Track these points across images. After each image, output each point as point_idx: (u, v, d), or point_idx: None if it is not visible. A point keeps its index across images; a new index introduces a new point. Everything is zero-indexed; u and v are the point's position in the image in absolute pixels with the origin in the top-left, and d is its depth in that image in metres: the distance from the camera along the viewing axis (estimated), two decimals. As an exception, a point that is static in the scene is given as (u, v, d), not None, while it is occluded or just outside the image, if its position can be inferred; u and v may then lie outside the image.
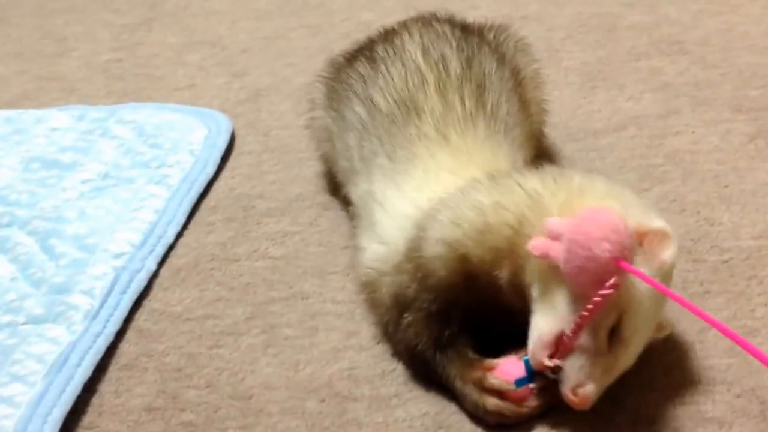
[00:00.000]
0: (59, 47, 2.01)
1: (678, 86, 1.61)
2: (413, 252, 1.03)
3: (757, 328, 1.08)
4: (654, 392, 1.01)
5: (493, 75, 1.20)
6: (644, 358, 1.01)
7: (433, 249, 1.01)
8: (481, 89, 1.16)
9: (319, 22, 2.04)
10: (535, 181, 0.99)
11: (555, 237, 0.91)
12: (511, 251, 0.96)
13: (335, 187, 1.38)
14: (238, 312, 1.19)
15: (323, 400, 1.05)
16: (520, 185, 0.99)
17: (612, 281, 0.87)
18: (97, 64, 1.92)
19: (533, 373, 0.95)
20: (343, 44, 1.46)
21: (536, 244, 0.92)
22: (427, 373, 1.04)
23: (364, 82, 1.23)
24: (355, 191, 1.22)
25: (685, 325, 1.08)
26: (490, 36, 1.32)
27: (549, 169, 1.04)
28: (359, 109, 1.22)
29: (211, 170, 1.48)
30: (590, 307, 0.89)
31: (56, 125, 1.62)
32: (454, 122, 1.12)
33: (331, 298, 1.20)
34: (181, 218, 1.36)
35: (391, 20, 1.39)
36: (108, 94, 1.80)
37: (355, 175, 1.22)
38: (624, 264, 0.87)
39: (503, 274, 0.97)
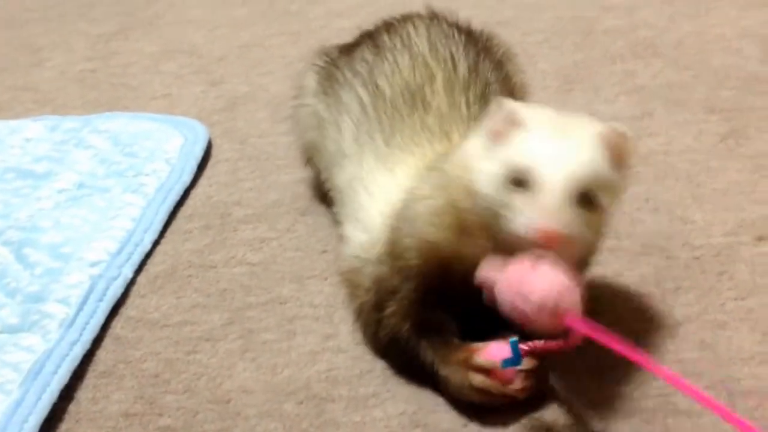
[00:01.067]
0: (34, 57, 2.01)
1: (652, 88, 1.62)
2: (391, 243, 1.04)
3: (726, 322, 1.10)
4: (626, 386, 1.02)
5: (495, 83, 1.21)
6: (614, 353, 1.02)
7: (406, 240, 1.03)
8: (485, 95, 1.17)
9: (297, 30, 2.04)
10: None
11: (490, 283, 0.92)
12: (465, 230, 0.98)
13: (313, 192, 1.38)
14: (215, 318, 1.19)
15: (301, 402, 1.05)
16: (445, 169, 1.01)
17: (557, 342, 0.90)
18: (71, 74, 1.91)
19: (519, 356, 0.95)
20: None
21: (480, 276, 0.93)
22: (407, 365, 1.04)
23: (369, 67, 1.23)
24: (341, 175, 1.21)
25: (658, 320, 1.10)
26: (483, 41, 1.32)
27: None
28: (362, 91, 1.22)
29: (187, 178, 1.47)
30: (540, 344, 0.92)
31: (30, 135, 1.61)
32: (458, 122, 1.13)
33: (309, 302, 1.20)
34: (158, 226, 1.35)
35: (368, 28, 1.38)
36: (83, 104, 1.80)
37: (344, 159, 1.21)
38: (571, 321, 0.88)
39: (473, 253, 0.97)
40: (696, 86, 1.60)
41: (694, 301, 1.13)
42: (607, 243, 1.22)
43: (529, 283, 0.88)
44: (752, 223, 1.25)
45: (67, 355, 1.10)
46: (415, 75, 1.18)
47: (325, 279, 1.23)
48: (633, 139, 0.96)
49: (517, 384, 0.97)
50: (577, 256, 0.94)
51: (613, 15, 1.91)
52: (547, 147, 0.92)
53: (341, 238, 1.17)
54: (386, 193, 1.10)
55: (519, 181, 0.91)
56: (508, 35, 1.74)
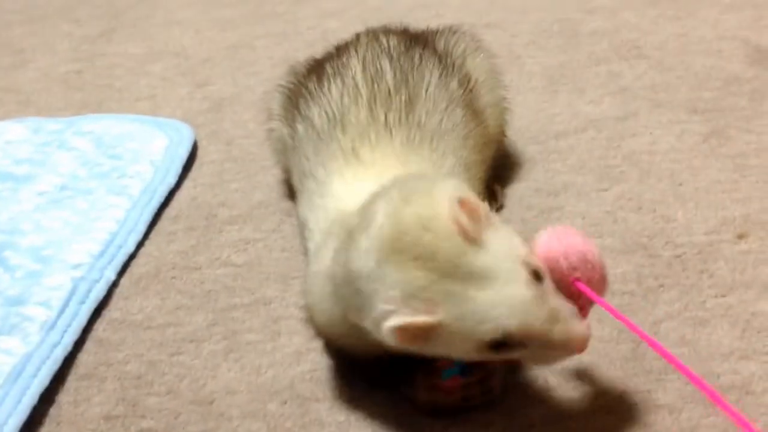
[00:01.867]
0: (16, 59, 1.99)
1: (636, 89, 1.63)
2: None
3: (707, 318, 1.11)
4: (609, 382, 1.03)
5: (432, 86, 1.18)
6: (598, 350, 1.05)
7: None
8: (412, 101, 1.13)
9: (284, 31, 2.04)
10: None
11: None
12: None
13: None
14: (199, 319, 1.18)
15: (285, 402, 1.04)
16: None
17: None
18: (55, 76, 1.90)
19: (464, 366, 0.95)
20: (308, 53, 1.45)
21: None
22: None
23: (308, 100, 1.22)
24: (297, 212, 1.19)
25: (641, 317, 1.11)
26: (441, 44, 1.31)
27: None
28: (300, 126, 1.21)
29: (172, 180, 1.47)
30: None
31: (11, 138, 1.60)
32: (371, 136, 1.09)
33: (294, 302, 1.19)
34: (142, 228, 1.35)
35: (356, 29, 1.38)
36: (67, 105, 1.78)
37: (297, 194, 1.21)
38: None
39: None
40: (679, 87, 1.61)
41: (676, 298, 1.14)
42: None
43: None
44: (733, 221, 1.26)
45: (47, 357, 1.09)
46: (342, 100, 1.16)
47: (310, 280, 1.23)
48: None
49: (458, 394, 0.97)
50: None
51: (598, 17, 1.92)
52: (497, 314, 0.84)
53: None
54: (317, 239, 1.06)
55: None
56: (496, 37, 1.77)
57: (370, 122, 1.10)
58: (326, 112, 1.16)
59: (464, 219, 0.83)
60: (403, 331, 0.82)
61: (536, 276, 0.85)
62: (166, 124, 1.63)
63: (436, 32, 1.35)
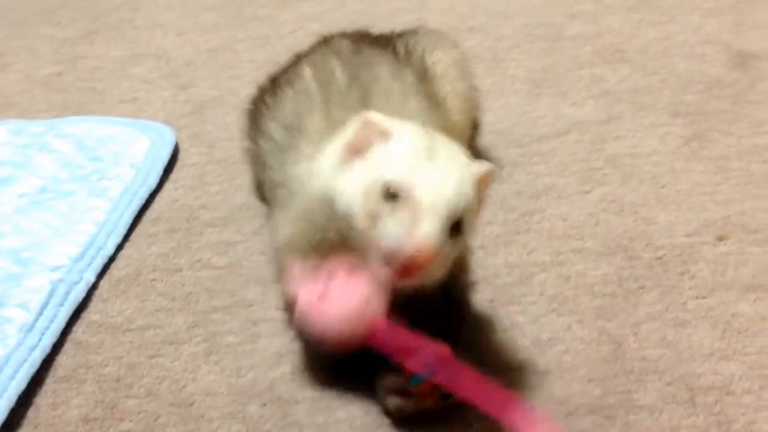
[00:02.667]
0: (-3, 62, 1.98)
1: (619, 93, 1.63)
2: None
3: (687, 320, 1.12)
4: (590, 383, 1.03)
5: (385, 79, 1.18)
6: (578, 351, 1.06)
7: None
8: (366, 97, 1.14)
9: (266, 34, 2.03)
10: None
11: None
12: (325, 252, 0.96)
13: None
14: (179, 321, 1.18)
15: (265, 404, 1.04)
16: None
17: None
18: (36, 78, 1.88)
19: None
20: (290, 56, 1.45)
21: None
22: None
23: (265, 114, 1.23)
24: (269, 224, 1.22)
25: (621, 318, 1.12)
26: (401, 43, 1.31)
27: None
28: (263, 143, 1.22)
29: (153, 182, 1.46)
30: None
31: (-8, 140, 1.59)
32: (331, 135, 1.08)
33: (275, 304, 1.19)
34: (122, 230, 1.34)
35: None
36: (48, 108, 1.77)
37: (270, 206, 1.22)
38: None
39: None
40: (662, 91, 1.62)
41: (657, 299, 1.15)
42: (571, 243, 1.24)
43: (326, 298, 0.89)
44: (714, 224, 1.27)
45: (25, 360, 1.08)
46: (296, 107, 1.17)
47: (291, 282, 1.22)
48: (495, 173, 0.99)
49: (431, 396, 0.96)
50: (428, 277, 0.92)
51: (581, 22, 1.92)
52: (423, 164, 0.91)
53: None
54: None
55: (392, 195, 0.89)
56: (479, 41, 1.77)
57: (328, 124, 1.10)
58: (284, 125, 1.16)
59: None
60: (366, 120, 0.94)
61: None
62: (148, 127, 1.62)
63: (398, 34, 1.36)
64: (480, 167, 0.96)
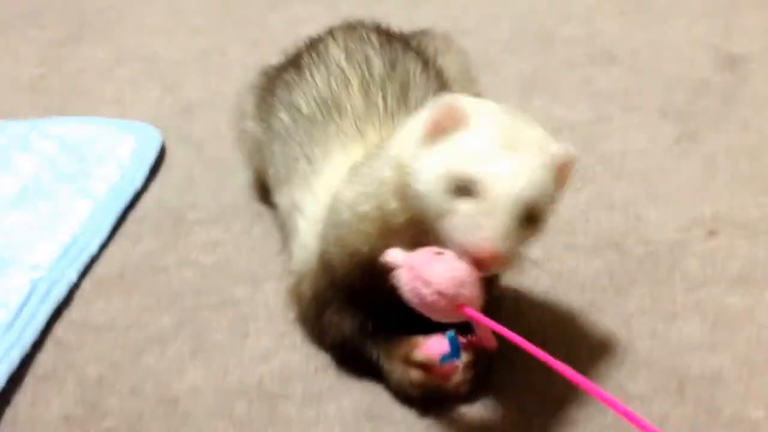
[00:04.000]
0: (-21, 64, 1.95)
1: (609, 94, 1.63)
2: (321, 255, 1.04)
3: (677, 312, 1.12)
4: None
5: (418, 76, 1.18)
6: (572, 342, 1.06)
7: (332, 249, 1.01)
8: (405, 88, 1.15)
9: (256, 38, 2.01)
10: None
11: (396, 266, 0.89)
12: (390, 232, 0.95)
13: (268, 195, 1.35)
14: (165, 320, 1.15)
15: (252, 402, 1.02)
16: (374, 168, 0.98)
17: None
18: (20, 80, 1.85)
19: (458, 350, 0.93)
20: (280, 59, 1.43)
21: (388, 257, 0.90)
22: (354, 364, 1.03)
23: (289, 89, 1.21)
24: (281, 201, 1.20)
25: (612, 312, 1.12)
26: (414, 43, 1.31)
27: None
28: (283, 115, 1.21)
29: (139, 183, 1.43)
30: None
31: (-27, 140, 1.55)
32: (374, 119, 1.10)
33: (263, 302, 1.17)
34: (106, 230, 1.31)
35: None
36: (31, 109, 1.73)
37: (281, 184, 1.20)
38: (469, 312, 0.86)
39: None
40: (651, 91, 1.61)
41: (647, 293, 1.15)
42: (563, 239, 1.23)
43: (431, 269, 0.86)
44: (704, 219, 1.27)
45: (4, 358, 1.05)
46: (330, 85, 1.16)
47: (281, 280, 1.19)
48: (577, 160, 0.93)
49: (457, 378, 0.96)
50: (502, 269, 0.92)
51: (571, 25, 1.91)
52: (497, 157, 0.87)
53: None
54: (315, 213, 1.08)
55: (463, 189, 0.86)
56: (471, 44, 1.75)
57: (368, 106, 1.11)
58: (314, 99, 1.16)
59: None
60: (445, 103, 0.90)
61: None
62: (133, 127, 1.59)
63: (408, 34, 1.35)
64: (561, 151, 0.92)
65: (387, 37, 1.25)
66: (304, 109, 1.17)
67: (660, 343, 1.07)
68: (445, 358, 0.94)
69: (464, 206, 0.86)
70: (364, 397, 1.00)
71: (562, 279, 1.18)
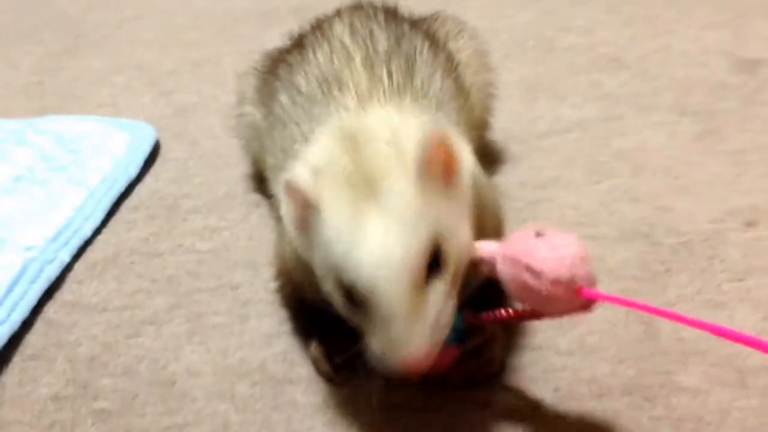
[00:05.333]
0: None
1: (620, 95, 1.57)
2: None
3: (724, 301, 1.04)
4: (620, 363, 0.95)
5: (425, 52, 1.12)
6: (605, 332, 0.97)
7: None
8: (410, 64, 1.08)
9: (249, 49, 1.95)
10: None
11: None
12: None
13: (265, 186, 1.29)
14: (159, 302, 1.09)
15: (255, 384, 0.95)
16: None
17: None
18: (16, 86, 1.80)
19: (463, 332, 0.85)
20: (243, 80, 1.37)
21: (481, 251, 0.81)
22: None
23: (291, 69, 1.15)
24: (277, 187, 1.12)
25: (649, 299, 1.03)
26: (424, 26, 1.26)
27: None
28: (283, 97, 1.14)
29: (133, 172, 1.38)
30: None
31: (-31, 137, 1.50)
32: (379, 94, 1.02)
33: (264, 287, 1.10)
34: (100, 215, 1.26)
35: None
36: (26, 111, 1.68)
37: (278, 171, 1.11)
38: (588, 293, 0.76)
39: None
40: (665, 93, 1.56)
41: (687, 282, 1.06)
42: (585, 231, 1.17)
43: (538, 258, 0.75)
44: (740, 211, 1.19)
45: (-8, 335, 0.98)
46: (333, 62, 1.09)
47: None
48: (452, 142, 0.81)
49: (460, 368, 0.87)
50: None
51: (573, 35, 1.87)
52: (357, 246, 0.75)
53: None
54: None
55: (351, 296, 0.77)
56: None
57: (373, 81, 1.03)
58: (315, 77, 1.08)
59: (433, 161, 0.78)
60: (289, 187, 0.80)
61: (432, 267, 0.76)
62: (128, 124, 1.55)
63: (418, 18, 1.30)
64: (426, 150, 0.78)
65: (394, 15, 1.20)
66: (304, 87, 1.09)
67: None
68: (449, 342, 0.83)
69: (364, 323, 0.76)
70: (375, 384, 0.90)
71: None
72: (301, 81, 1.11)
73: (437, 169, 0.78)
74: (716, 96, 1.53)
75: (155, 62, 1.90)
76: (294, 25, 2.03)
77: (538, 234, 0.77)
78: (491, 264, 0.80)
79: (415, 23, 1.22)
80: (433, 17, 1.31)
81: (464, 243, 0.80)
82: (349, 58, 1.08)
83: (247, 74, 1.31)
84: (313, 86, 1.08)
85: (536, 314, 0.81)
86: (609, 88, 1.61)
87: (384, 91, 1.03)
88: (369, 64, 1.06)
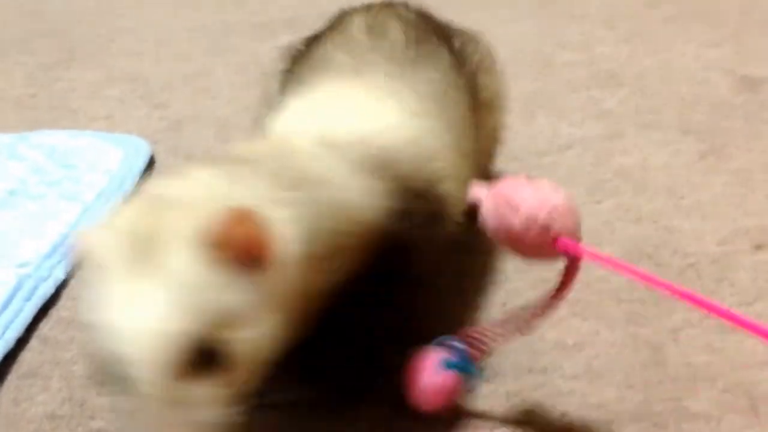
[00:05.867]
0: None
1: (620, 113, 1.57)
2: None
3: (733, 327, 0.98)
4: (629, 389, 0.93)
5: (444, 64, 1.08)
6: (611, 356, 0.96)
7: None
8: (417, 62, 1.03)
9: (244, 61, 1.95)
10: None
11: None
12: None
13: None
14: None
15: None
16: None
17: None
18: (8, 98, 1.78)
19: (467, 360, 0.85)
20: (268, 81, 1.35)
21: (473, 192, 0.81)
22: None
23: (308, 65, 1.10)
24: None
25: (655, 324, 1.02)
26: (457, 42, 1.19)
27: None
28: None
29: (128, 188, 1.36)
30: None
31: (-39, 151, 1.48)
32: (377, 61, 1.00)
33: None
34: (95, 231, 1.23)
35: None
36: (19, 124, 1.66)
37: None
38: (564, 243, 0.76)
39: None
40: (666, 111, 1.55)
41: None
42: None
43: (520, 195, 0.76)
44: (747, 233, 1.18)
45: (-14, 353, 0.96)
46: (342, 49, 1.06)
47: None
48: (264, 220, 0.70)
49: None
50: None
51: (570, 51, 1.86)
52: (115, 316, 0.67)
53: None
54: None
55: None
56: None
57: (372, 49, 1.01)
58: (313, 62, 1.06)
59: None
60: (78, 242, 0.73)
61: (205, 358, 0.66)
62: (122, 139, 1.53)
63: (456, 29, 1.23)
64: (217, 218, 0.68)
65: (425, 19, 1.15)
66: (305, 76, 1.06)
67: (719, 358, 0.96)
68: (450, 365, 0.82)
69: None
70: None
71: (591, 289, 1.08)
72: (304, 71, 1.08)
73: (231, 251, 0.68)
74: (719, 114, 1.52)
75: (149, 75, 1.89)
76: (288, 38, 2.04)
77: (529, 179, 0.78)
78: (478, 203, 0.80)
79: (447, 36, 1.16)
80: (469, 35, 1.23)
81: (264, 338, 0.70)
82: (363, 52, 1.04)
83: (272, 76, 1.26)
84: (311, 71, 1.05)
85: (522, 327, 0.82)
86: (608, 105, 1.60)
87: (387, 73, 0.99)
88: (385, 59, 1.03)
